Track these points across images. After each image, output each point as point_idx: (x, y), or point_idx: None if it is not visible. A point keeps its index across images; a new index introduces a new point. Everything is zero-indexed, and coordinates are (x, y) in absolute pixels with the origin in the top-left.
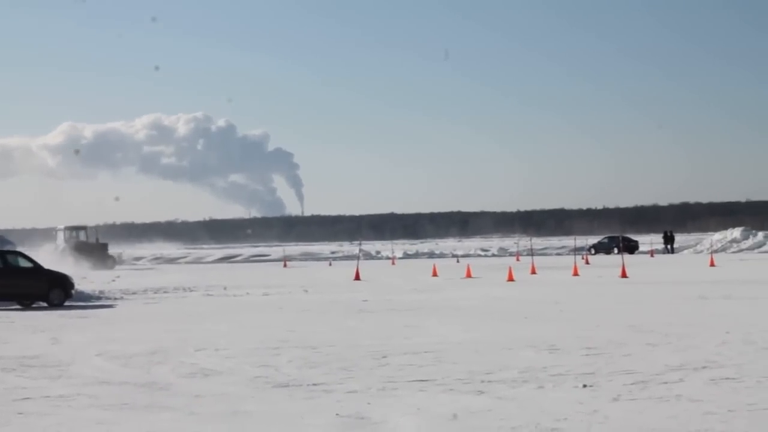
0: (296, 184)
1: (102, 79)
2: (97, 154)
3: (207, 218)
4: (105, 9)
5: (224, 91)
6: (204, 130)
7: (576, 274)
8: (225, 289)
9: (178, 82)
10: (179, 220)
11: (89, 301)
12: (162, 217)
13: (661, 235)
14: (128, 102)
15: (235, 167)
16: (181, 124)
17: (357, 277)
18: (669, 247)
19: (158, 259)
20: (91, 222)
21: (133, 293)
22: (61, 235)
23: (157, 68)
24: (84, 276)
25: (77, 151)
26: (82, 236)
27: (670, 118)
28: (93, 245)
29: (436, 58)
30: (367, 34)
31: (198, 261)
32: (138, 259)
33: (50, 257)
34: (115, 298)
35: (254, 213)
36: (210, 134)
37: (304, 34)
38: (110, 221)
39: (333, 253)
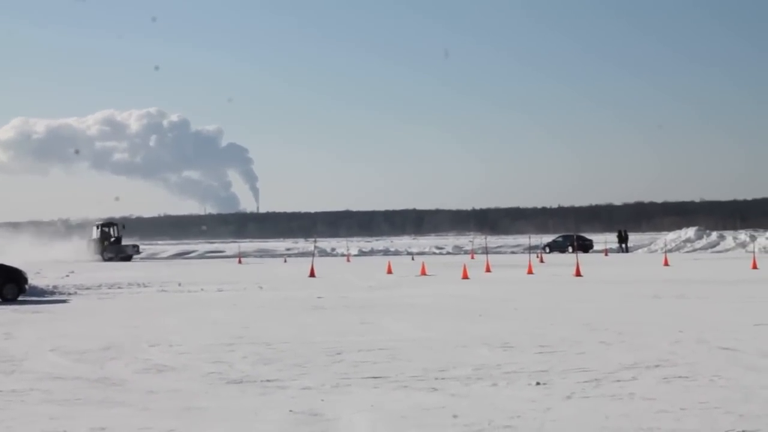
0: (251, 178)
1: (54, 74)
2: (49, 149)
3: (162, 214)
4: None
5: (178, 87)
6: (157, 126)
7: (530, 272)
8: (179, 285)
9: (132, 78)
10: (134, 216)
11: (43, 296)
12: (116, 212)
13: (616, 234)
14: (81, 98)
15: (189, 163)
16: (134, 120)
17: (312, 274)
18: (623, 246)
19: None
20: (46, 217)
21: (87, 288)
22: (95, 230)
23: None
24: (38, 271)
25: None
26: (113, 231)
27: (628, 117)
28: (117, 239)
29: (392, 56)
30: (323, 32)
31: (152, 257)
32: None
33: (85, 249)
34: (69, 294)
35: (209, 209)
36: (163, 130)
37: (258, 30)
38: (64, 217)
39: (288, 249)
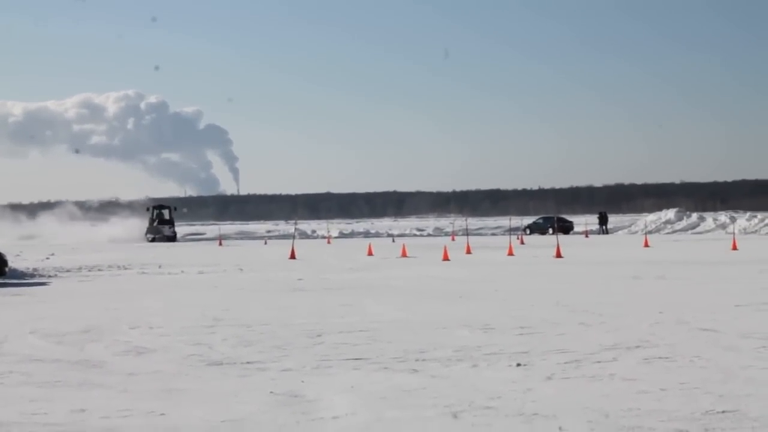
0: (230, 159)
1: (32, 58)
2: (27, 132)
3: (143, 197)
4: None
5: (157, 70)
6: (135, 108)
7: (511, 254)
8: (160, 267)
9: (111, 62)
10: (116, 199)
11: (23, 278)
12: (96, 195)
13: (596, 215)
14: (59, 81)
15: (168, 145)
16: (112, 103)
17: (292, 256)
18: (603, 228)
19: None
20: (25, 200)
21: (68, 271)
22: (151, 212)
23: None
24: (18, 253)
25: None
26: (166, 214)
27: (609, 100)
28: (164, 221)
29: (372, 40)
30: (304, 15)
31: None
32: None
33: (144, 229)
34: (50, 276)
35: (189, 191)
36: (141, 112)
37: (237, 13)
38: (44, 200)
39: (268, 232)
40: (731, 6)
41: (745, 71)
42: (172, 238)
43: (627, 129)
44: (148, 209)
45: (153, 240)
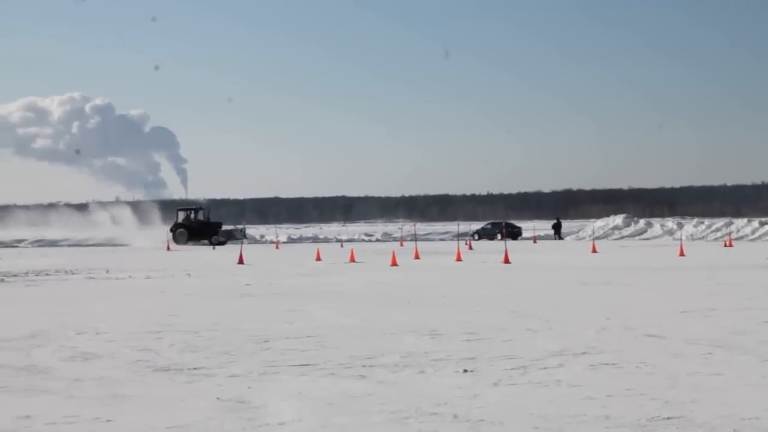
0: (177, 161)
1: None
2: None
3: (90, 201)
4: None
5: (103, 74)
6: (80, 111)
7: (459, 259)
8: (107, 272)
9: (54, 65)
10: (62, 203)
11: None
12: (43, 199)
13: (552, 223)
14: (3, 85)
15: (114, 148)
16: (57, 106)
17: (240, 261)
18: (557, 235)
19: (40, 242)
20: None
21: (14, 275)
22: (181, 215)
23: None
24: None
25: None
26: (200, 215)
27: (560, 105)
28: (207, 223)
29: (318, 42)
30: (249, 17)
31: (81, 244)
32: (19, 241)
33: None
34: None
35: (137, 196)
36: (86, 115)
37: (179, 14)
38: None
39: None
40: (688, 6)
41: (699, 77)
42: (224, 242)
43: (576, 135)
44: (184, 211)
45: (219, 244)
